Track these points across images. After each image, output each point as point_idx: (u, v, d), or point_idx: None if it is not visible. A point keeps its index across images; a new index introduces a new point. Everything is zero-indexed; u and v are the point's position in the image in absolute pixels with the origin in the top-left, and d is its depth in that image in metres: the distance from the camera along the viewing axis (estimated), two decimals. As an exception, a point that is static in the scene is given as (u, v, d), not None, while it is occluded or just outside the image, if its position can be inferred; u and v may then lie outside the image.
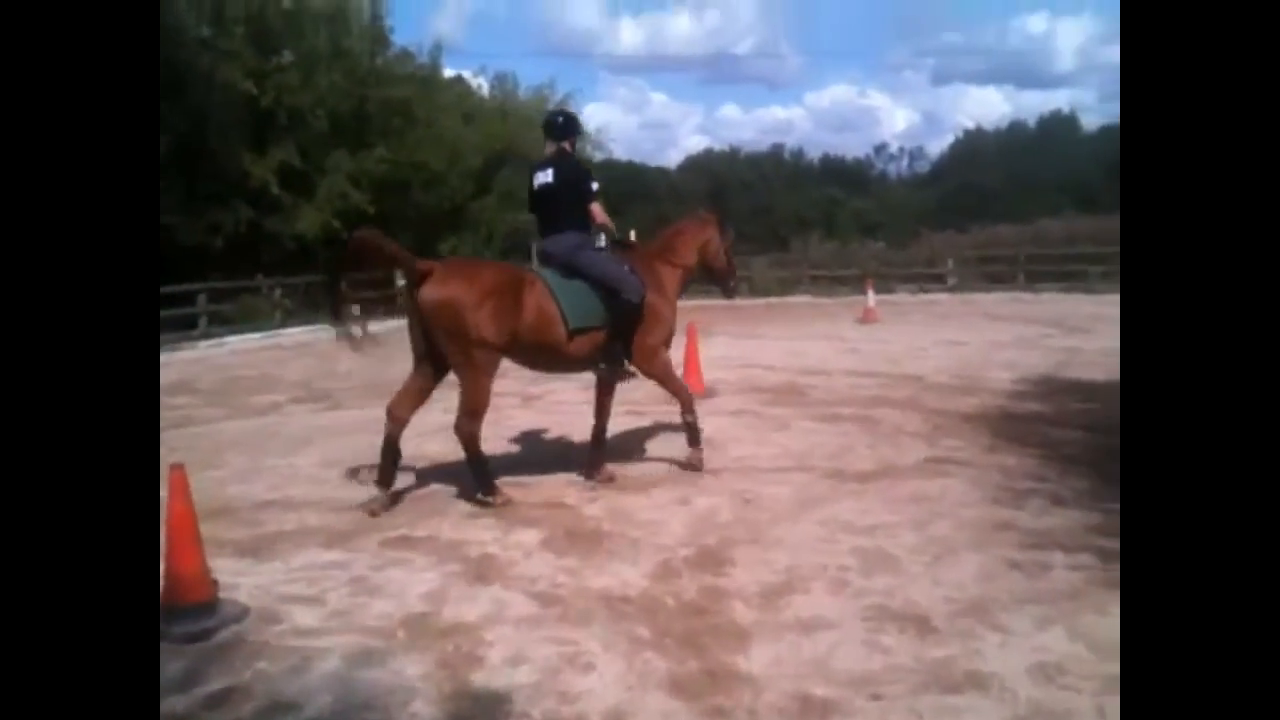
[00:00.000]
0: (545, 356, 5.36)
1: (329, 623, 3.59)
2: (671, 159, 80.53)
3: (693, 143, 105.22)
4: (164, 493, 3.33)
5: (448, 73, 27.50)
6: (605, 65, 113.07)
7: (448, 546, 4.47)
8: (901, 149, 74.62)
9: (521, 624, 3.51)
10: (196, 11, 18.78)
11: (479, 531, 4.70)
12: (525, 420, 7.73)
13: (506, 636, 3.39)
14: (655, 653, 3.22)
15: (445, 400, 5.39)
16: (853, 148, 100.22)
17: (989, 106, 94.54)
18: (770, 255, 27.30)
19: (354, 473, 5.86)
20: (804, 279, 24.13)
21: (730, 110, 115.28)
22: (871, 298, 16.52)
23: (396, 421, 5.12)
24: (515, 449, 6.74)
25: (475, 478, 5.18)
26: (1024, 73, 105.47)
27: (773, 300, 21.66)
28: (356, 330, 5.23)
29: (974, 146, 62.49)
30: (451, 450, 5.86)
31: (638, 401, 7.46)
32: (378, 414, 5.51)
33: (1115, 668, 2.78)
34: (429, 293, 4.91)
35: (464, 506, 5.18)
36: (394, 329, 6.07)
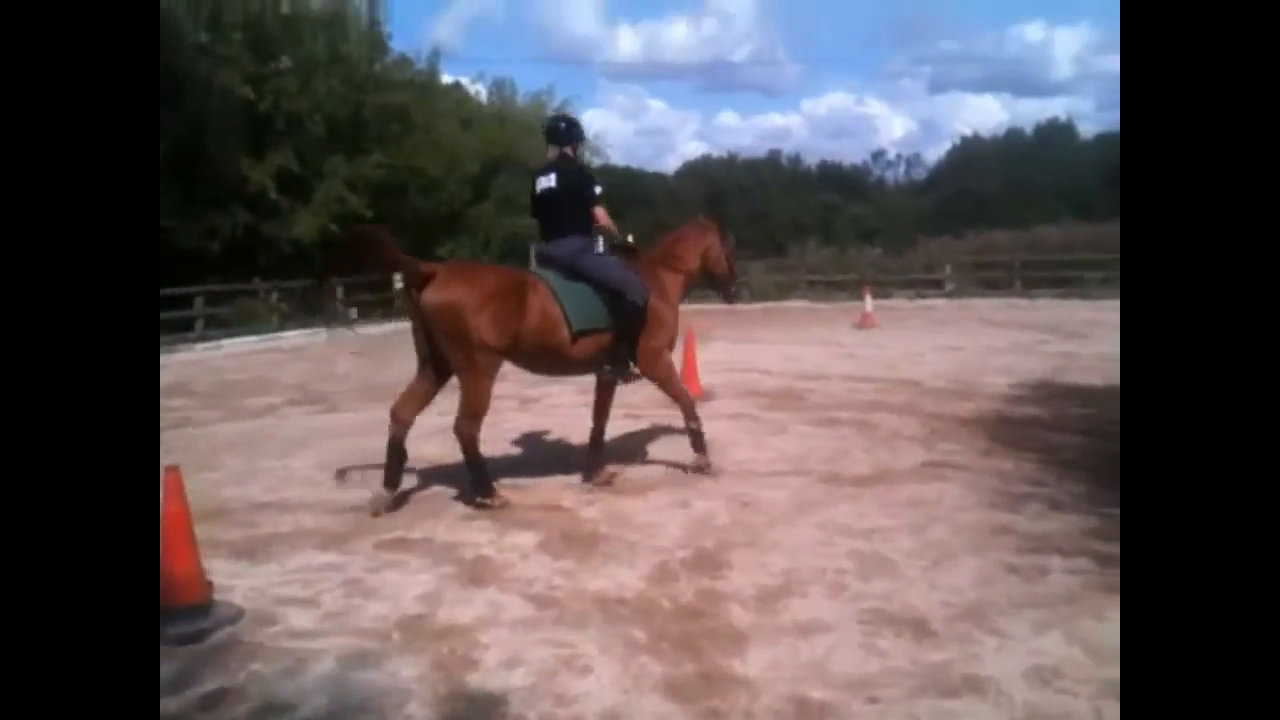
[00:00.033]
0: (549, 359, 5.36)
1: (324, 624, 3.58)
2: (669, 165, 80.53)
3: (690, 149, 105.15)
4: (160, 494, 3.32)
5: (446, 78, 27.58)
6: (603, 72, 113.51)
7: (443, 549, 4.46)
8: (899, 155, 74.69)
9: (517, 626, 3.50)
10: (195, 17, 18.75)
11: (475, 534, 4.69)
12: (523, 423, 7.72)
13: (502, 639, 3.37)
14: (651, 656, 3.21)
15: (440, 403, 5.38)
16: (850, 154, 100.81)
17: (986, 114, 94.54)
18: (768, 260, 27.24)
19: (343, 474, 5.85)
20: (801, 284, 24.11)
21: (728, 117, 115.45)
22: (869, 303, 16.54)
23: (400, 424, 5.12)
24: (512, 451, 6.72)
25: (473, 479, 5.18)
26: (1021, 81, 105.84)
27: (770, 305, 21.64)
28: (349, 322, 5.24)
29: (971, 153, 62.40)
30: (447, 453, 5.85)
31: (635, 405, 7.46)
32: (373, 417, 5.50)
33: (1112, 672, 2.77)
34: (431, 296, 4.92)
35: (460, 509, 5.17)
36: (390, 332, 6.06)
